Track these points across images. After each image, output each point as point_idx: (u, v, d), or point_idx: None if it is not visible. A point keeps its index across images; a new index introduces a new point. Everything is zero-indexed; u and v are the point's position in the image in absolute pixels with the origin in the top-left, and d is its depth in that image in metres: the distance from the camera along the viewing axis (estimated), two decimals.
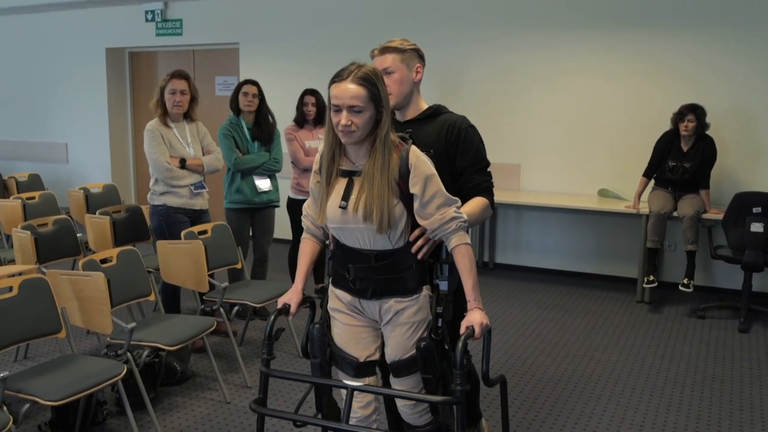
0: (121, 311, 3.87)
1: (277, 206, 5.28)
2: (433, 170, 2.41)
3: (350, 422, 2.50)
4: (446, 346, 2.46)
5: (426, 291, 2.49)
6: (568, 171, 6.62)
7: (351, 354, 2.53)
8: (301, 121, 5.45)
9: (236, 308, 4.51)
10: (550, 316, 5.54)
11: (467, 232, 2.46)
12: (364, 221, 2.36)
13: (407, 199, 2.40)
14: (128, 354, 3.54)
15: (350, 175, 2.42)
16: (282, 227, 5.52)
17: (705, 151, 5.68)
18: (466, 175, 2.74)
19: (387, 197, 2.34)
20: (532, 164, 6.76)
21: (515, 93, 6.70)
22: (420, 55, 2.80)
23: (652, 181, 5.93)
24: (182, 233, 4.40)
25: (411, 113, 2.81)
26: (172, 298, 4.65)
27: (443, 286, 2.53)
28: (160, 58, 8.66)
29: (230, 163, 4.97)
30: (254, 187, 5.06)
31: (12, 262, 4.69)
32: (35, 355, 4.57)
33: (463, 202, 2.61)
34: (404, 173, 2.37)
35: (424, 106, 2.84)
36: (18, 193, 6.62)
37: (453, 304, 2.53)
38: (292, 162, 5.38)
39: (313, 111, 5.42)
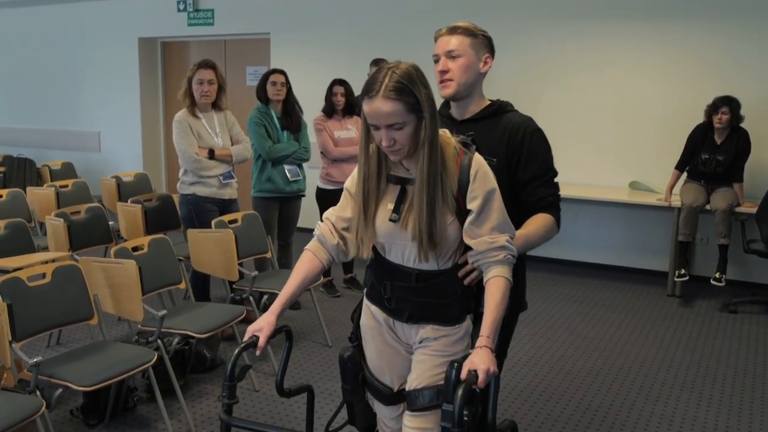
0: (151, 299, 3.91)
1: (304, 196, 5.31)
2: (496, 185, 2.10)
3: None
4: (477, 390, 2.00)
5: (469, 320, 2.20)
6: (599, 163, 6.55)
7: (385, 383, 2.27)
8: (329, 111, 5.45)
9: (265, 297, 4.54)
10: (580, 309, 5.50)
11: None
12: (413, 240, 2.06)
13: (464, 215, 2.08)
14: (159, 341, 3.58)
15: (403, 183, 2.11)
16: (307, 217, 5.53)
17: (739, 143, 5.59)
18: (529, 188, 2.36)
19: (441, 214, 2.04)
20: (563, 156, 6.64)
21: (546, 85, 6.64)
22: (491, 45, 2.42)
23: (685, 174, 5.85)
24: (212, 222, 4.43)
25: (471, 110, 2.43)
26: (202, 286, 4.69)
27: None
28: (192, 48, 8.71)
29: (263, 151, 4.99)
30: (285, 176, 5.08)
31: (45, 249, 4.76)
32: (68, 341, 4.64)
33: (525, 218, 2.34)
34: (464, 185, 2.06)
35: (486, 102, 2.46)
36: (51, 181, 6.71)
37: (498, 338, 2.20)
38: (321, 152, 5.39)
39: (342, 101, 5.42)
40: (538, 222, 2.33)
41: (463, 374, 1.93)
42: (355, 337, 2.35)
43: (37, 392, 2.99)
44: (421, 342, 2.19)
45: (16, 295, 3.11)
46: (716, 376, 4.24)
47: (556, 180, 2.41)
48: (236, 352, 2.05)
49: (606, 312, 5.44)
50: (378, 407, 2.32)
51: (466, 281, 2.14)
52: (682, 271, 5.65)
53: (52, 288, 3.29)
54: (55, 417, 3.60)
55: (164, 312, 3.56)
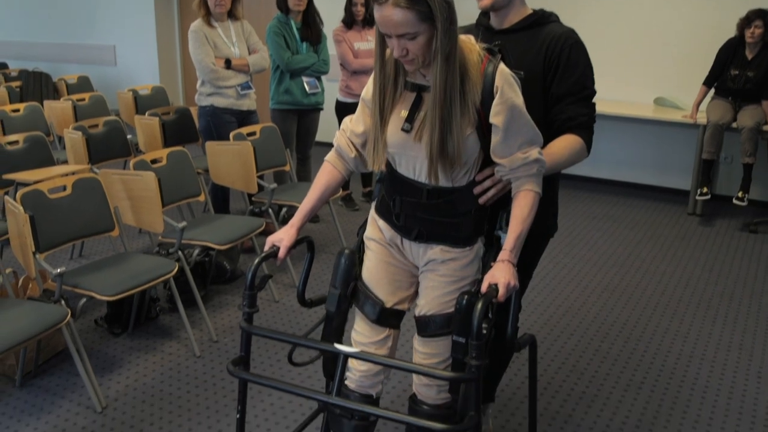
0: (171, 211, 3.93)
1: (322, 109, 5.25)
2: (521, 98, 1.95)
3: (352, 378, 2.16)
4: (490, 315, 1.95)
5: (480, 243, 2.10)
6: (624, 78, 6.40)
7: (378, 296, 2.14)
8: (349, 22, 5.32)
9: (284, 210, 4.56)
10: (599, 226, 5.48)
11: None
12: (427, 156, 1.93)
13: (484, 129, 1.95)
14: (179, 252, 3.61)
15: (420, 90, 1.97)
16: (326, 130, 5.48)
17: None
18: (562, 104, 2.17)
19: (459, 126, 1.90)
20: None
21: None
22: None
23: (712, 91, 5.71)
24: (231, 134, 4.41)
25: (510, 19, 2.24)
26: (221, 199, 4.71)
27: (505, 240, 2.03)
28: None
29: (282, 62, 4.91)
30: (303, 88, 5.01)
31: (64, 162, 4.76)
32: (90, 253, 4.70)
33: (552, 137, 2.16)
34: (486, 97, 1.91)
35: (528, 11, 2.25)
36: (68, 95, 6.67)
37: (526, 258, 2.14)
38: (341, 64, 5.30)
39: (362, 11, 5.28)
40: (566, 143, 2.16)
41: (484, 287, 1.88)
42: (359, 250, 2.23)
43: (62, 302, 3.04)
44: (427, 264, 2.10)
45: (38, 207, 3.12)
46: (733, 294, 4.24)
47: (593, 100, 2.22)
48: (256, 261, 2.02)
49: (625, 229, 5.42)
50: (361, 327, 2.16)
51: (481, 200, 2.03)
52: (704, 190, 5.59)
53: (72, 200, 3.30)
54: (80, 326, 3.67)
55: (184, 224, 3.57)
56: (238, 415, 2.13)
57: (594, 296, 4.17)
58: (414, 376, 2.18)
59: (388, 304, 2.12)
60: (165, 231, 3.67)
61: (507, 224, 2.03)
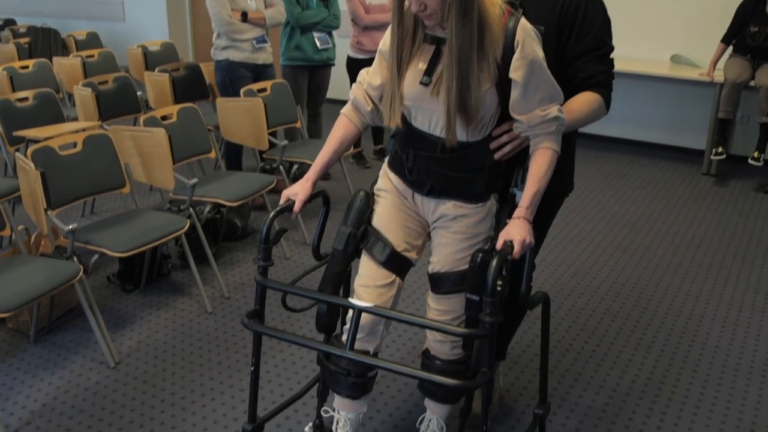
0: (182, 168, 3.92)
1: (333, 65, 5.19)
2: (542, 53, 1.92)
3: (345, 338, 2.15)
4: (504, 272, 1.97)
5: (493, 200, 2.09)
6: (639, 35, 6.29)
7: (388, 239, 2.12)
8: None
9: (295, 167, 4.54)
10: (612, 185, 5.44)
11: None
12: (445, 111, 1.91)
13: (504, 84, 1.92)
14: (190, 209, 3.61)
15: (439, 43, 1.94)
16: (337, 86, 5.44)
17: None
18: (579, 62, 2.12)
19: (478, 80, 1.87)
20: None
21: None
22: None
23: (730, 48, 5.61)
24: (241, 91, 4.38)
25: None
26: (234, 156, 4.70)
27: (520, 197, 2.01)
28: None
29: (292, 17, 4.85)
30: (314, 44, 4.95)
31: (75, 119, 4.75)
32: (101, 210, 4.71)
33: (570, 95, 2.12)
34: (507, 52, 1.87)
35: None
36: (76, 51, 6.62)
37: (540, 218, 2.11)
38: (352, 20, 5.22)
39: None
40: (585, 100, 2.12)
41: (499, 244, 1.87)
42: (372, 202, 2.22)
43: (74, 258, 3.06)
44: (439, 219, 2.10)
45: (49, 164, 3.12)
46: (746, 255, 4.21)
47: (611, 56, 2.17)
48: (271, 214, 2.02)
49: (638, 189, 5.38)
50: (367, 270, 2.12)
51: (496, 155, 2.02)
52: (720, 150, 5.53)
53: (83, 157, 3.29)
54: (93, 282, 3.69)
55: (195, 180, 3.57)
56: (252, 368, 2.14)
57: (605, 255, 4.15)
58: (427, 331, 2.18)
59: (398, 248, 2.11)
60: (176, 188, 3.67)
61: (522, 181, 2.02)
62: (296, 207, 2.10)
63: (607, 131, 6.65)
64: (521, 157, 2.03)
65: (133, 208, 3.61)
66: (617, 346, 3.21)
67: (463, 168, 2.02)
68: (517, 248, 1.85)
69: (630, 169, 5.87)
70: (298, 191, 2.11)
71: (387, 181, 2.17)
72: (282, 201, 2.11)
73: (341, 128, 2.17)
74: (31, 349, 3.11)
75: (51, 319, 3.28)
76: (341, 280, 2.18)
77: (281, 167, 4.34)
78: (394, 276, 2.12)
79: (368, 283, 2.12)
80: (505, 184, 2.11)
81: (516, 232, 1.88)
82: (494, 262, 1.76)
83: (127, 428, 2.61)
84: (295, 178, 4.59)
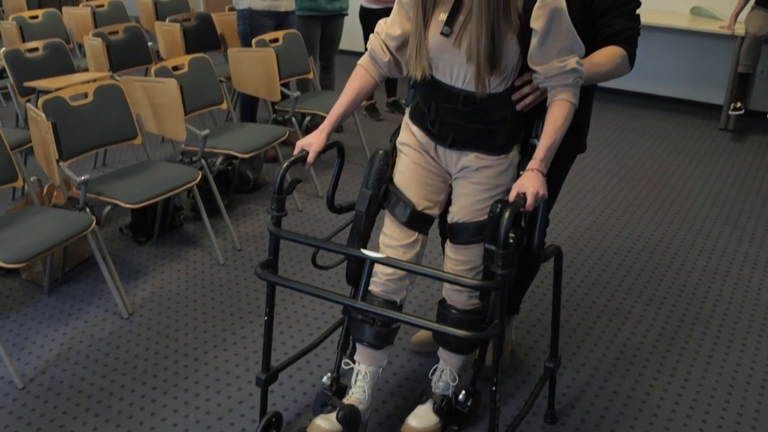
0: (193, 120, 3.90)
1: (346, 15, 5.11)
2: (564, 4, 1.88)
3: (377, 282, 2.17)
4: (523, 224, 2.00)
5: (516, 151, 2.08)
6: None
7: (409, 198, 2.13)
8: None
9: (308, 118, 4.51)
10: (627, 139, 5.38)
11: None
12: (468, 61, 1.89)
13: (525, 35, 1.89)
14: (202, 161, 3.60)
15: None
16: (350, 37, 5.36)
17: None
18: (606, 18, 2.09)
19: (501, 31, 1.84)
20: None
21: None
22: None
23: (752, 0, 5.48)
24: (253, 41, 4.32)
25: None
26: (250, 109, 4.67)
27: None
28: None
29: None
30: None
31: (85, 70, 4.72)
32: (113, 162, 4.70)
33: (593, 50, 2.09)
34: (529, 2, 1.85)
35: None
36: (86, 0, 6.55)
37: (552, 176, 2.08)
38: None
39: None
40: (609, 54, 2.09)
41: (512, 196, 1.87)
42: (393, 154, 2.22)
43: (87, 209, 3.06)
44: (461, 171, 2.09)
45: (60, 115, 3.10)
46: (761, 211, 4.17)
47: (638, 12, 2.14)
48: (285, 165, 2.01)
49: (654, 143, 5.32)
50: (390, 230, 2.16)
51: (518, 107, 2.00)
52: (738, 104, 5.44)
53: (94, 107, 3.27)
54: (105, 234, 3.71)
55: (207, 132, 3.55)
56: (266, 318, 2.16)
57: (620, 210, 4.12)
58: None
59: (419, 207, 2.12)
60: (188, 139, 3.65)
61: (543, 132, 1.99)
62: (310, 158, 2.09)
63: (625, 85, 6.55)
64: (542, 108, 2.00)
65: (144, 159, 3.60)
66: (629, 301, 3.20)
67: (485, 120, 2.01)
68: (530, 200, 1.84)
69: (647, 124, 5.80)
70: (312, 142, 2.10)
71: (409, 135, 2.16)
72: (296, 151, 2.10)
73: (358, 79, 2.14)
74: (45, 300, 3.14)
75: (64, 271, 3.30)
76: (367, 237, 2.19)
77: (293, 119, 4.31)
78: (416, 234, 2.14)
79: (392, 243, 2.15)
80: (526, 135, 2.09)
81: (529, 184, 1.86)
82: (506, 214, 1.75)
83: (140, 378, 2.64)
84: (308, 130, 4.57)
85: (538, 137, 2.01)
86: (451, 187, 2.17)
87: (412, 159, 2.14)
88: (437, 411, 2.28)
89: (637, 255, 3.61)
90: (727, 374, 2.71)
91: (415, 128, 2.14)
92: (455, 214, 2.12)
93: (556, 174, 2.25)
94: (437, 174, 2.14)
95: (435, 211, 2.16)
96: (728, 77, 5.66)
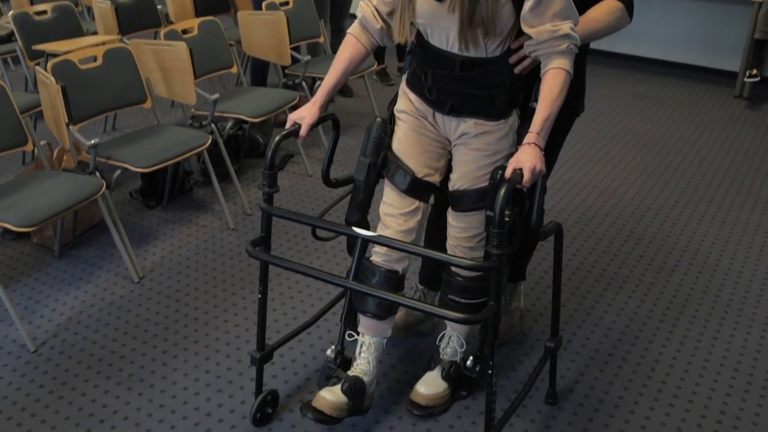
0: (203, 84, 3.87)
1: None
2: None
3: (379, 252, 2.15)
4: (524, 189, 1.95)
5: (515, 116, 2.04)
6: None
7: (409, 165, 2.10)
8: None
9: (318, 83, 4.46)
10: (640, 106, 5.32)
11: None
12: (460, 23, 1.85)
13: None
14: (212, 125, 3.58)
15: None
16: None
17: None
18: None
19: None
20: None
21: None
22: None
23: None
24: (263, 4, 4.27)
25: None
26: (261, 73, 4.63)
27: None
28: None
29: None
30: None
31: (94, 33, 4.68)
32: (122, 126, 4.69)
33: (589, 6, 2.06)
34: None
35: None
36: None
37: (549, 141, 2.03)
38: None
39: None
40: (605, 8, 2.06)
41: (508, 173, 1.82)
42: (390, 122, 2.19)
43: (97, 173, 3.06)
44: (460, 137, 2.06)
45: (69, 78, 3.08)
46: None
47: None
48: (276, 139, 1.99)
49: (667, 111, 5.26)
50: (390, 198, 2.13)
51: (516, 69, 1.96)
52: (754, 71, 5.37)
53: (103, 71, 3.25)
54: (115, 199, 3.71)
55: (217, 95, 3.52)
56: (259, 296, 2.14)
57: (631, 178, 4.09)
58: (448, 246, 2.18)
59: (419, 174, 2.10)
60: (197, 103, 3.63)
61: None
62: (303, 131, 2.05)
63: (638, 51, 6.46)
64: (540, 70, 1.96)
65: (154, 123, 3.59)
66: (640, 269, 3.19)
67: (483, 85, 1.98)
68: (527, 176, 1.80)
69: (660, 91, 5.73)
70: (304, 115, 2.06)
71: (407, 102, 2.13)
72: (288, 125, 2.06)
73: (348, 48, 2.11)
74: (56, 264, 3.16)
75: (75, 235, 3.31)
76: (367, 206, 2.18)
77: (304, 83, 4.28)
78: (417, 202, 2.12)
79: (392, 212, 2.13)
80: (526, 99, 2.05)
81: (526, 159, 1.82)
82: (502, 192, 1.71)
83: (151, 341, 2.66)
84: None
85: (537, 100, 1.97)
86: (450, 153, 2.14)
87: (411, 126, 2.11)
88: (446, 377, 2.29)
89: (648, 223, 3.59)
90: (737, 342, 2.71)
91: (412, 95, 2.11)
92: (456, 182, 2.10)
93: (554, 140, 2.18)
94: (436, 140, 2.12)
95: (436, 178, 2.13)
96: (744, 43, 5.57)
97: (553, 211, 3.67)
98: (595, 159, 4.34)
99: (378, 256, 2.16)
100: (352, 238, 2.18)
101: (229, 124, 3.90)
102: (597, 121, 4.98)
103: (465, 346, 2.31)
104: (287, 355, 2.58)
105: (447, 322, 2.32)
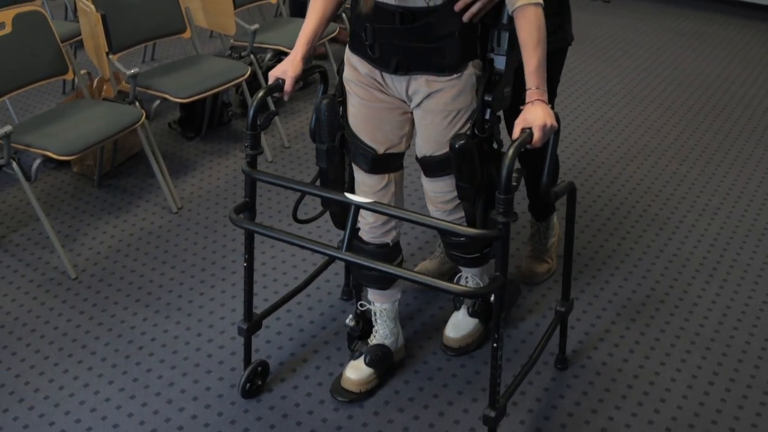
0: (242, 15, 3.82)
1: None
2: None
3: (364, 230, 2.05)
4: (495, 146, 1.83)
5: (472, 69, 1.86)
6: None
7: (367, 143, 1.96)
8: None
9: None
10: (687, 43, 5.15)
11: None
12: None
13: None
14: (251, 56, 3.55)
15: None
16: None
17: None
18: None
19: None
20: None
21: None
22: None
23: None
24: None
25: None
26: (300, 2, 4.55)
27: (499, 63, 1.84)
28: None
29: None
30: None
31: None
32: (161, 57, 4.67)
33: None
34: None
35: None
36: None
37: (513, 89, 1.91)
38: None
39: None
40: None
41: (515, 133, 1.68)
42: (339, 94, 2.02)
43: (137, 103, 3.06)
44: (419, 102, 1.91)
45: (109, 6, 3.06)
46: None
47: None
48: (259, 96, 1.85)
49: (714, 48, 5.08)
50: (360, 177, 2.03)
51: (465, 17, 1.78)
52: None
53: (144, 0, 3.22)
54: (155, 129, 3.71)
55: (256, 26, 3.48)
56: (245, 264, 2.05)
57: (676, 117, 3.99)
58: (429, 209, 2.09)
59: (380, 151, 1.97)
60: (237, 34, 3.60)
61: (499, 44, 1.84)
62: (287, 86, 1.90)
63: None
64: (496, 15, 1.82)
65: (193, 54, 3.57)
66: (681, 210, 3.13)
67: (430, 37, 1.80)
68: (537, 135, 1.66)
69: (708, 28, 5.53)
70: (287, 68, 1.90)
71: (351, 70, 1.96)
72: (270, 81, 1.92)
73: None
74: (96, 193, 3.20)
75: (114, 164, 3.34)
76: (342, 183, 2.10)
77: (344, 15, 4.20)
78: (386, 176, 2.01)
79: (365, 191, 2.03)
80: (482, 49, 1.89)
81: (534, 117, 1.68)
82: (510, 153, 1.59)
83: (189, 271, 2.70)
84: None
85: (494, 51, 1.85)
86: (413, 115, 2.00)
87: (361, 99, 1.96)
88: (473, 314, 2.29)
89: (692, 163, 3.51)
90: None
91: (355, 59, 1.94)
92: (421, 148, 1.98)
93: (548, 78, 1.96)
94: (392, 108, 1.96)
95: (401, 148, 2.01)
96: None
97: (594, 150, 3.60)
98: (639, 97, 4.23)
99: (365, 233, 2.07)
100: (338, 213, 2.10)
101: (269, 56, 3.86)
102: (641, 58, 4.83)
103: (481, 285, 2.24)
104: (273, 326, 2.46)
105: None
